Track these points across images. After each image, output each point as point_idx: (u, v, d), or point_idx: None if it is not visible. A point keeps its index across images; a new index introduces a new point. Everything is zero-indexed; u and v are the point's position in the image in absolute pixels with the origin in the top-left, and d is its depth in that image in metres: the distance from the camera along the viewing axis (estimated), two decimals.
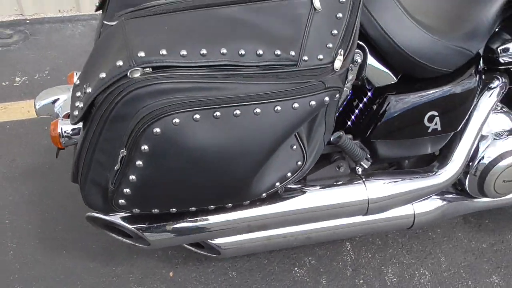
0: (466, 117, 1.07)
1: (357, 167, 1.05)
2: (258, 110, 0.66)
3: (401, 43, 0.94)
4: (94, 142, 0.67)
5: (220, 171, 0.69)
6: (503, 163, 1.13)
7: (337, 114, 0.98)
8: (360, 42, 0.96)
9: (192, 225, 0.96)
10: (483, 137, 1.16)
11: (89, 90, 0.66)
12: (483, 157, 1.15)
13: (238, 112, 0.65)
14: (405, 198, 1.07)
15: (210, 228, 0.98)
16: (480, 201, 1.26)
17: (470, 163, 1.16)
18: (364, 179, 1.05)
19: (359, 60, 0.96)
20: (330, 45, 0.77)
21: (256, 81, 0.69)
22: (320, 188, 1.03)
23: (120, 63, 0.65)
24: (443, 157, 1.14)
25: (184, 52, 0.67)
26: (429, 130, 1.03)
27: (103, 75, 0.65)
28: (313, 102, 0.69)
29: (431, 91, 1.00)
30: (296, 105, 0.68)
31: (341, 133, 0.98)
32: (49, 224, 1.45)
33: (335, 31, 0.78)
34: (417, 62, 0.96)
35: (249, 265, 1.37)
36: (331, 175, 1.05)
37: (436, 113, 1.01)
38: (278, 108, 0.67)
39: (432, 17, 1.02)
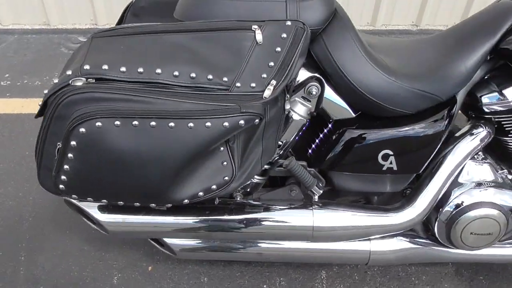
0: (429, 160, 1.05)
1: (313, 194, 1.08)
2: (172, 124, 0.76)
3: (355, 81, 0.97)
4: (44, 134, 0.81)
5: (136, 173, 0.79)
6: (471, 213, 1.08)
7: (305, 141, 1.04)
8: (318, 75, 1.01)
9: (146, 221, 1.08)
10: (458, 184, 1.13)
11: (45, 91, 0.81)
12: (452, 205, 1.11)
13: (153, 123, 0.75)
14: (353, 232, 1.07)
15: (162, 228, 1.08)
16: (457, 252, 1.21)
17: (441, 209, 1.13)
18: (313, 207, 1.08)
19: (314, 92, 1.01)
20: (265, 76, 0.84)
21: (184, 100, 0.79)
22: (271, 208, 1.08)
23: (69, 72, 0.79)
24: (408, 198, 1.12)
25: (123, 69, 0.79)
26: (384, 169, 1.04)
27: (56, 80, 0.80)
28: (226, 124, 0.77)
29: (387, 130, 1.01)
30: (208, 124, 0.76)
31: (291, 158, 1.03)
32: (63, 205, 1.66)
33: (271, 63, 0.85)
34: (371, 101, 0.98)
35: (222, 274, 1.44)
36: (283, 198, 1.09)
37: (391, 152, 1.02)
38: (191, 125, 0.76)
39: (399, 59, 1.04)
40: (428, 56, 1.04)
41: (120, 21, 1.08)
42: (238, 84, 0.83)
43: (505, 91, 1.06)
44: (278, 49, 0.86)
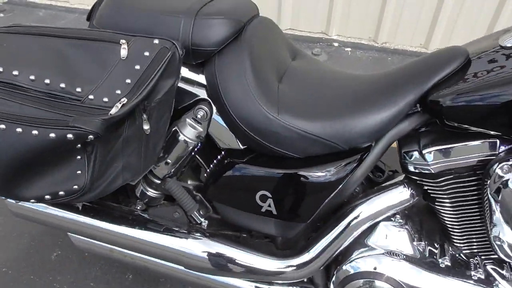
0: (317, 211, 0.93)
1: (194, 220, 1.03)
2: (3, 126, 0.78)
3: (234, 112, 0.89)
4: None
5: None
6: (361, 282, 0.94)
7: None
8: (208, 99, 0.95)
9: (49, 211, 1.12)
10: (364, 245, 0.99)
11: None
12: (350, 265, 0.98)
13: (2, 127, 0.77)
14: (230, 268, 0.99)
15: (58, 220, 1.12)
16: None
17: (339, 265, 1.00)
18: (192, 233, 1.02)
19: (199, 115, 0.95)
20: (119, 92, 0.82)
21: (31, 104, 0.80)
22: (149, 223, 1.05)
23: None
24: (301, 247, 1.01)
25: None
26: (263, 210, 0.94)
27: None
28: (52, 135, 0.76)
29: (267, 169, 0.91)
30: (35, 132, 0.77)
31: (171, 179, 0.99)
32: None
33: (128, 80, 0.82)
34: (251, 137, 0.90)
35: (147, 276, 1.45)
36: (168, 217, 1.06)
37: (269, 195, 0.92)
38: (19, 130, 0.77)
39: (308, 94, 0.93)
40: (346, 97, 0.91)
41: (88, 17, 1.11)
42: (91, 97, 0.82)
43: (425, 152, 0.89)
44: (137, 67, 0.83)
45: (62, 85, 0.82)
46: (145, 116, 0.86)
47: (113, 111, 0.80)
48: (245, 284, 1.06)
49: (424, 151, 0.88)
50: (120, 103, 0.80)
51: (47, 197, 0.88)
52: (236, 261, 1.00)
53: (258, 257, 1.00)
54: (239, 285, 1.06)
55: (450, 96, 0.81)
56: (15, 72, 0.82)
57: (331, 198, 0.92)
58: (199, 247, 1.00)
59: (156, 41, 0.84)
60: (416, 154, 0.90)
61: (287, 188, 0.91)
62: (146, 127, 0.87)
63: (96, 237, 1.10)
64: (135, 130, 0.86)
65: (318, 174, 0.90)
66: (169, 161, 1.01)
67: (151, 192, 1.08)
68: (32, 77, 0.82)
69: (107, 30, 0.94)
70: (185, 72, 0.96)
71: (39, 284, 1.43)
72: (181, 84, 0.98)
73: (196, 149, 1.00)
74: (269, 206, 0.93)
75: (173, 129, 0.98)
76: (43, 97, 0.82)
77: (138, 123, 0.86)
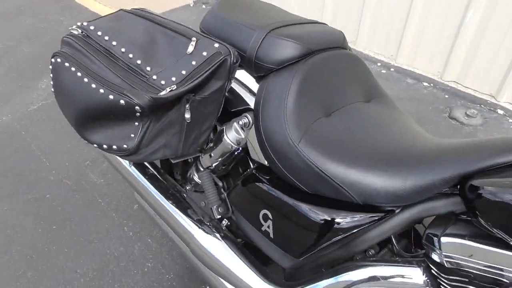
0: (312, 252, 0.88)
1: (212, 213, 1.08)
2: (86, 79, 0.97)
3: (264, 130, 0.92)
4: None
5: (68, 104, 1.04)
6: None
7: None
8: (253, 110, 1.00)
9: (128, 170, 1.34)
10: None
11: None
12: None
13: (86, 80, 0.98)
14: (223, 269, 1.02)
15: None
16: None
17: None
18: (205, 223, 1.06)
19: (241, 122, 1.01)
20: (174, 79, 0.94)
21: (111, 69, 0.98)
22: (182, 205, 1.14)
23: (79, 23, 1.12)
24: (292, 284, 0.97)
25: (99, 33, 1.05)
26: (263, 229, 0.94)
27: None
28: (111, 97, 0.91)
29: (275, 192, 0.91)
30: (101, 90, 0.93)
31: (206, 171, 1.07)
32: None
33: (183, 72, 0.94)
34: (271, 158, 0.91)
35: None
36: (198, 204, 1.14)
37: (270, 216, 0.91)
38: (93, 86, 0.95)
39: (336, 138, 0.89)
40: (383, 151, 0.82)
41: None
42: (154, 77, 0.97)
43: (444, 241, 0.76)
44: (193, 62, 0.94)
45: (139, 61, 0.98)
46: (188, 106, 0.97)
47: (163, 93, 0.93)
48: None
49: (443, 239, 0.76)
50: (170, 88, 0.93)
51: (105, 146, 1.07)
52: (226, 265, 1.02)
53: (249, 272, 1.00)
54: None
55: (494, 187, 0.69)
56: (114, 43, 1.02)
57: (329, 246, 0.87)
58: (204, 237, 1.06)
59: (216, 45, 0.94)
60: (435, 239, 0.78)
61: (286, 216, 0.90)
62: (187, 115, 0.98)
63: (145, 199, 1.27)
64: (178, 116, 0.98)
65: (320, 216, 0.86)
66: (212, 155, 1.10)
67: (196, 178, 1.19)
68: (123, 50, 1.01)
69: (205, 32, 1.08)
70: (248, 80, 1.04)
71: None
72: (240, 90, 1.05)
73: (237, 153, 1.06)
74: (268, 227, 0.93)
75: (222, 128, 1.06)
76: (123, 66, 1.00)
77: (181, 111, 0.97)
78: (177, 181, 1.38)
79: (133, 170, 1.32)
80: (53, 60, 1.05)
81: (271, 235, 0.93)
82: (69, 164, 2.07)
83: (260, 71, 0.99)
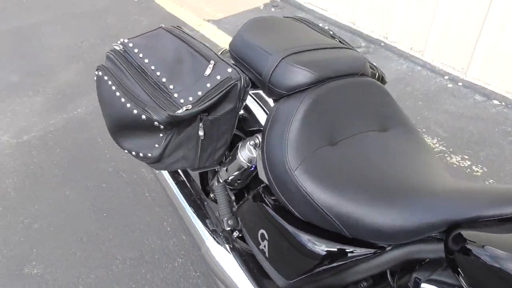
0: (301, 277, 0.90)
1: (223, 224, 1.14)
2: (118, 93, 1.08)
3: (266, 152, 0.95)
4: None
5: (106, 113, 1.16)
6: None
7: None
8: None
9: None
10: None
11: None
12: None
13: (118, 94, 1.09)
14: (213, 269, 1.07)
15: None
16: None
17: None
18: (216, 231, 1.13)
19: (252, 142, 1.05)
20: (191, 99, 1.01)
21: (141, 85, 1.08)
22: (199, 209, 1.22)
23: (121, 40, 1.23)
24: None
25: (136, 50, 1.16)
26: (260, 247, 0.97)
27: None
28: (135, 111, 1.02)
29: (272, 213, 0.94)
30: (128, 105, 1.03)
31: (221, 184, 1.13)
32: None
33: (199, 93, 1.01)
34: (269, 179, 0.94)
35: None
36: (214, 212, 1.20)
37: (266, 236, 0.95)
38: (123, 100, 1.05)
39: (336, 167, 0.89)
40: (382, 185, 0.82)
41: None
42: (175, 95, 1.05)
43: (423, 287, 0.75)
44: (208, 85, 1.00)
45: (164, 79, 1.07)
46: (201, 125, 1.04)
47: (179, 111, 1.01)
48: None
49: (423, 286, 0.75)
50: (186, 107, 1.00)
51: (133, 153, 1.18)
52: (229, 275, 1.08)
53: (248, 285, 1.05)
54: None
55: (480, 243, 0.67)
56: (146, 60, 1.12)
57: (320, 273, 0.88)
58: (214, 245, 1.13)
59: (229, 69, 1.00)
60: (418, 283, 0.77)
61: (280, 238, 0.93)
62: (201, 133, 1.05)
63: (170, 201, 1.38)
64: (194, 132, 1.05)
65: (312, 243, 0.88)
66: (228, 169, 1.16)
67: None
68: (153, 67, 1.11)
69: (233, 53, 1.14)
70: (265, 102, 1.08)
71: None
72: (257, 111, 1.10)
73: (251, 170, 1.11)
74: (264, 246, 0.97)
75: (237, 145, 1.12)
76: (152, 83, 1.10)
77: (196, 128, 1.05)
78: (205, 189, 1.46)
79: (166, 175, 1.43)
80: (96, 73, 1.18)
81: (267, 254, 0.97)
82: (126, 158, 2.26)
83: (273, 95, 1.02)
